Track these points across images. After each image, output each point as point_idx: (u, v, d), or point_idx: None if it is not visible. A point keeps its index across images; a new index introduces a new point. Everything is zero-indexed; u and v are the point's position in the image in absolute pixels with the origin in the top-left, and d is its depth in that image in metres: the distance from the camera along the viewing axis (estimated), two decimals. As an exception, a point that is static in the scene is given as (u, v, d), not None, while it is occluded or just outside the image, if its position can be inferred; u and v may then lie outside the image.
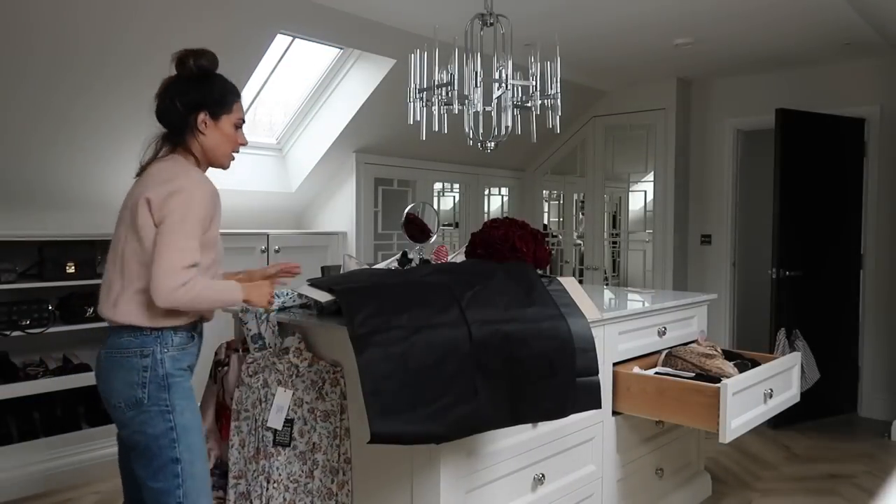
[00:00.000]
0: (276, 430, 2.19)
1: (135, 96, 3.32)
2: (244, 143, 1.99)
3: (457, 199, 5.75)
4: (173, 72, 1.89)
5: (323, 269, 2.81)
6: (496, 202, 6.17)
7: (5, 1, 2.68)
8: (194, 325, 1.91)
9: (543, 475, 2.29)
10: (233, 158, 2.00)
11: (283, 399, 2.19)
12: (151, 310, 1.77)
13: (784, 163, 4.43)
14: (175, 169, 1.83)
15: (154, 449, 1.77)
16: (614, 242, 5.98)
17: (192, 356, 1.91)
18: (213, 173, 1.95)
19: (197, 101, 1.87)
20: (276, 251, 4.31)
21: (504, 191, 6.19)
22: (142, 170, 1.89)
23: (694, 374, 2.59)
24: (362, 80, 4.27)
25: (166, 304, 1.71)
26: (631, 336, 2.73)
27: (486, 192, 5.97)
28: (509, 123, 2.69)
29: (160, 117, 1.90)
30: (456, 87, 2.62)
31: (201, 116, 1.87)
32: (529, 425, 2.24)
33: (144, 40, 3.10)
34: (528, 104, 2.71)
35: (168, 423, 1.78)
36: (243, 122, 1.99)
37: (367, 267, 2.64)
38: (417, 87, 2.67)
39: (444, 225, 5.60)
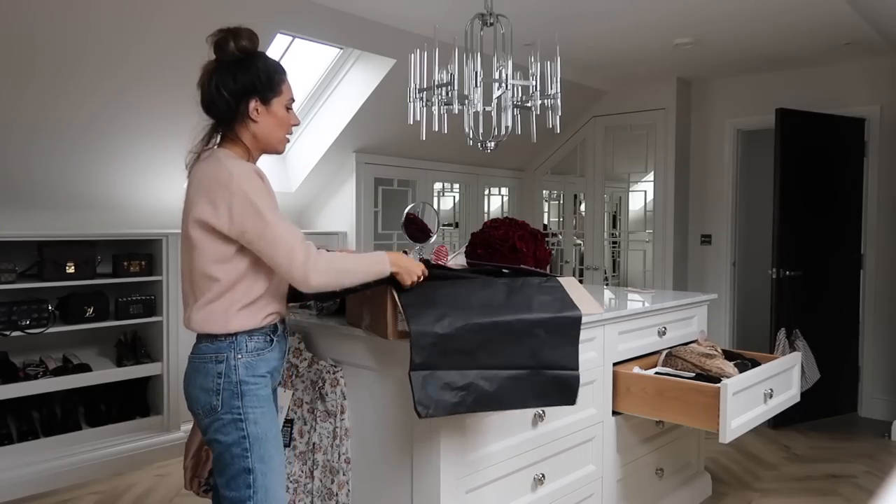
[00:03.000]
0: (275, 430, 2.20)
1: (141, 100, 3.33)
2: (297, 124, 1.86)
3: (457, 199, 5.75)
4: (211, 56, 1.76)
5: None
6: (496, 202, 6.17)
7: (12, 4, 2.68)
8: (274, 328, 1.80)
9: (543, 475, 2.29)
10: (287, 141, 1.88)
11: (282, 399, 2.19)
12: (224, 316, 1.70)
13: (784, 163, 4.43)
14: (210, 172, 1.69)
15: (227, 457, 1.71)
16: (614, 242, 5.98)
17: (272, 361, 1.80)
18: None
19: (245, 87, 1.74)
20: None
21: (504, 191, 6.19)
22: (190, 168, 1.77)
23: (694, 374, 2.59)
24: (362, 80, 4.27)
25: (311, 285, 1.65)
26: (631, 336, 2.73)
27: (486, 192, 5.97)
28: (509, 123, 2.68)
29: (207, 109, 1.77)
30: (456, 87, 2.61)
31: (252, 104, 1.74)
32: (530, 425, 2.24)
33: (145, 42, 3.09)
34: (528, 104, 2.71)
35: (241, 431, 1.70)
36: (293, 100, 1.85)
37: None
38: (417, 87, 2.67)
39: (444, 225, 5.60)
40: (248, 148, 1.78)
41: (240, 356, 1.72)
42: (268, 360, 1.78)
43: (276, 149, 1.84)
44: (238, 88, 1.73)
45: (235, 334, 1.72)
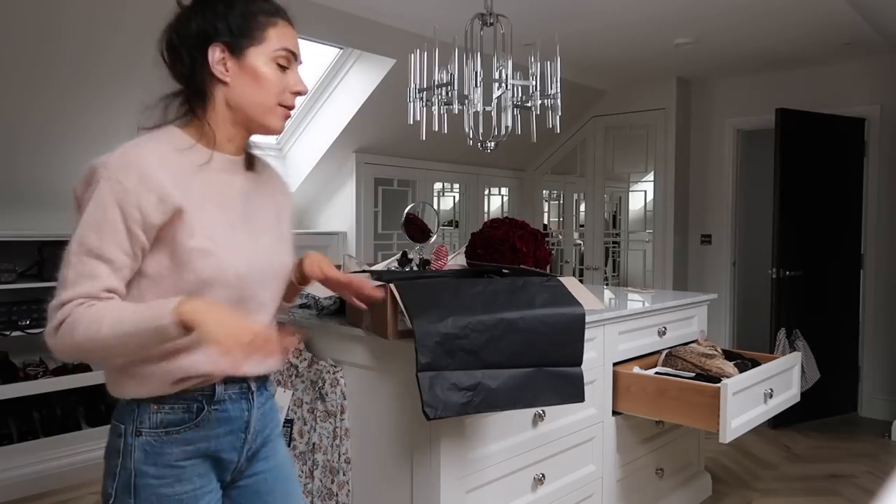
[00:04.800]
0: (276, 430, 2.20)
1: (142, 98, 3.33)
2: (300, 91, 1.24)
3: (457, 199, 5.75)
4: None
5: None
6: (496, 202, 6.17)
7: (28, 9, 2.68)
8: (198, 395, 1.18)
9: (543, 475, 2.29)
10: (287, 116, 1.25)
11: (282, 399, 2.19)
12: (107, 368, 1.19)
13: (784, 163, 4.43)
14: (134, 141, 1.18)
15: None
16: (615, 242, 5.98)
17: (206, 440, 1.19)
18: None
19: (203, 31, 1.18)
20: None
21: (504, 191, 6.19)
22: None
23: (694, 374, 2.59)
24: (362, 80, 4.27)
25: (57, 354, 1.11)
26: (631, 336, 2.73)
27: (486, 192, 5.97)
28: (509, 123, 2.68)
29: (172, 74, 1.23)
30: (456, 87, 2.61)
31: (216, 54, 1.17)
32: (530, 425, 2.24)
33: (151, 47, 3.09)
34: (528, 104, 2.71)
35: None
36: (293, 55, 1.23)
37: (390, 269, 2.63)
38: (417, 86, 2.67)
39: (444, 225, 5.60)
40: (214, 126, 1.21)
41: (139, 434, 1.15)
42: (185, 442, 1.17)
43: (263, 122, 1.22)
44: (195, 32, 1.18)
45: (138, 400, 1.16)
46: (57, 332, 1.07)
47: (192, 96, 1.21)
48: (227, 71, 1.19)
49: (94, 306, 1.07)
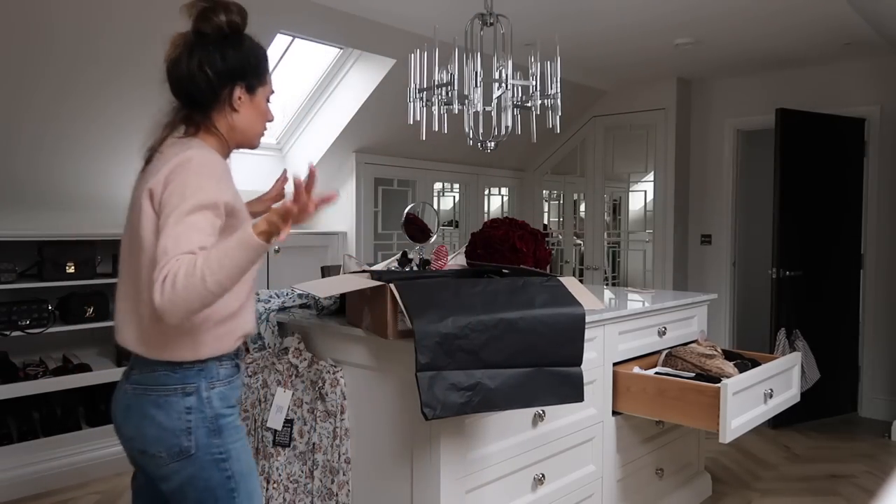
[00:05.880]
0: (275, 430, 2.20)
1: (146, 101, 3.32)
2: (272, 119, 1.61)
3: (457, 199, 5.75)
4: (179, 28, 1.47)
5: (323, 269, 2.81)
6: (496, 202, 6.17)
7: (23, 9, 2.68)
8: (237, 352, 1.57)
9: (543, 475, 2.29)
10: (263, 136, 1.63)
11: (282, 399, 2.19)
12: (191, 338, 1.42)
13: (784, 163, 4.43)
14: (178, 155, 1.40)
15: (210, 503, 1.46)
16: (615, 242, 5.98)
17: (239, 389, 1.57)
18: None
19: (232, 70, 1.47)
20: (276, 251, 4.31)
21: (504, 191, 6.19)
22: (147, 159, 1.48)
23: (694, 374, 2.59)
24: (362, 80, 4.27)
25: (169, 319, 1.29)
26: (631, 336, 2.73)
27: (486, 192, 5.97)
28: (509, 123, 2.68)
29: (179, 87, 1.47)
30: (456, 87, 2.61)
31: (238, 91, 1.49)
32: (529, 425, 2.24)
33: (149, 46, 3.09)
34: (528, 104, 2.71)
35: (225, 472, 1.46)
36: (273, 93, 1.61)
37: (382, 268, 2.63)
38: (417, 87, 2.67)
39: (444, 225, 5.60)
40: (221, 141, 1.51)
41: (213, 387, 1.46)
42: (237, 387, 1.55)
43: (252, 144, 1.59)
44: (225, 69, 1.46)
45: (206, 360, 1.45)
46: (162, 287, 1.25)
47: (202, 116, 1.49)
48: (241, 102, 1.51)
49: (186, 257, 1.28)
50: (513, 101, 2.68)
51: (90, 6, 2.87)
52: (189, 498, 1.46)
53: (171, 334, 1.40)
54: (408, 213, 2.71)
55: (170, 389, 1.42)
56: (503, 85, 2.63)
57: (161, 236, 1.30)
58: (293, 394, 2.19)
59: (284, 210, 1.32)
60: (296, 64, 4.24)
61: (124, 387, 1.49)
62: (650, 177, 5.50)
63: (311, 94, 4.46)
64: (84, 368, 3.57)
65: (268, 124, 1.61)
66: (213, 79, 1.45)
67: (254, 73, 1.51)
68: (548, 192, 6.38)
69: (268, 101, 1.58)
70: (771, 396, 2.63)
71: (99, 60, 3.12)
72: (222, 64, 1.46)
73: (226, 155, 1.54)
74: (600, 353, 2.54)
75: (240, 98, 1.50)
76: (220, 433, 1.46)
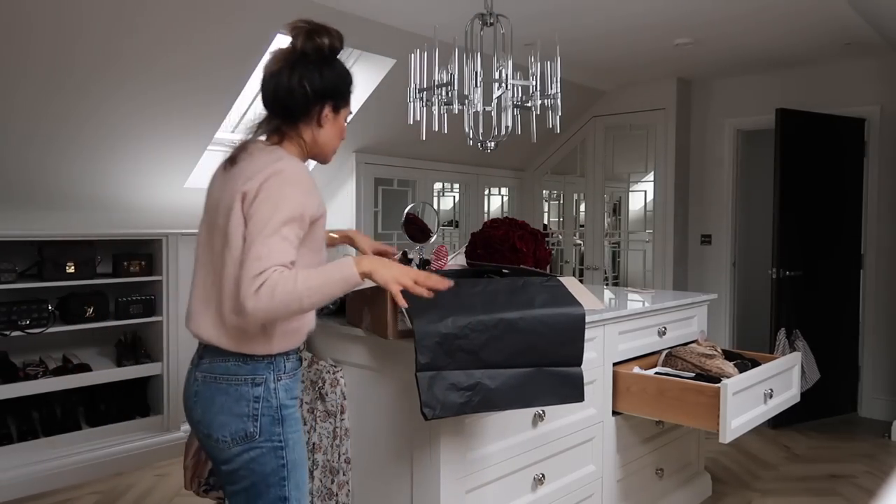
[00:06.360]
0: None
1: (134, 98, 3.33)
2: (345, 138, 1.76)
3: (457, 199, 5.75)
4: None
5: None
6: (496, 202, 6.17)
7: (6, 3, 2.68)
8: (298, 348, 1.69)
9: (543, 475, 2.29)
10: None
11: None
12: (263, 335, 1.54)
13: (784, 163, 4.43)
14: (267, 161, 1.51)
15: (261, 487, 1.57)
16: (615, 242, 5.98)
17: (300, 381, 1.71)
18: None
19: (326, 89, 1.61)
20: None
21: (504, 191, 6.19)
22: (233, 159, 1.58)
23: (694, 374, 2.59)
24: (362, 80, 4.27)
25: (252, 320, 1.44)
26: (631, 336, 2.73)
27: (486, 192, 5.97)
28: (509, 123, 2.68)
29: (274, 99, 1.60)
30: (456, 87, 2.61)
31: (326, 109, 1.62)
32: (529, 425, 2.24)
33: (144, 41, 3.09)
34: (528, 104, 2.71)
35: (280, 459, 1.57)
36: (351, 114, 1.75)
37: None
38: (417, 87, 2.67)
39: (444, 225, 5.61)
40: (305, 152, 1.66)
41: (279, 379, 1.58)
42: (299, 380, 1.69)
43: (328, 158, 1.71)
44: (321, 88, 1.60)
45: (275, 355, 1.58)
46: (258, 294, 1.38)
47: (289, 127, 1.61)
48: (327, 120, 1.63)
49: (285, 272, 1.41)
50: (513, 101, 2.68)
51: (101, 11, 2.87)
52: (244, 480, 1.57)
53: (249, 330, 1.52)
54: (408, 213, 2.71)
55: (240, 379, 1.54)
56: (503, 85, 2.63)
57: (254, 242, 1.42)
58: (293, 394, 2.19)
59: (404, 285, 1.52)
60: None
61: (194, 374, 1.60)
62: (650, 177, 5.50)
63: (311, 94, 4.46)
64: (84, 368, 3.58)
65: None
66: (310, 95, 1.59)
67: (342, 94, 1.66)
68: (548, 192, 6.39)
69: (346, 120, 1.72)
70: (771, 396, 2.63)
71: (111, 67, 3.10)
72: (320, 82, 1.60)
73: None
74: (600, 353, 2.54)
75: (327, 115, 1.63)
76: (283, 423, 1.57)
